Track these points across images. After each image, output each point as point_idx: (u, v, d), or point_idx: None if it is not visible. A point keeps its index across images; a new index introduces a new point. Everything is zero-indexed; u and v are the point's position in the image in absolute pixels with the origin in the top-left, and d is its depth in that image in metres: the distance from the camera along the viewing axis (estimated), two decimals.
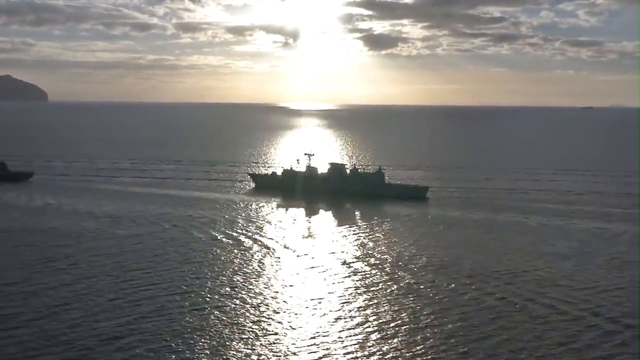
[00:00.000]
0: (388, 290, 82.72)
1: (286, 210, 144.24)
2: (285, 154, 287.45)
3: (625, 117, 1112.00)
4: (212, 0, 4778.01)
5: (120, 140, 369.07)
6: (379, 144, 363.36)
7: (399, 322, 71.31)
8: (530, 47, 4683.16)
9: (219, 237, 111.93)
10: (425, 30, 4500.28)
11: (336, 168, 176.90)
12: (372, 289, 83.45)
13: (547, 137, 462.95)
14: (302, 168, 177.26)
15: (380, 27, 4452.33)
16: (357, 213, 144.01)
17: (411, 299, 79.48)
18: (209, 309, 74.52)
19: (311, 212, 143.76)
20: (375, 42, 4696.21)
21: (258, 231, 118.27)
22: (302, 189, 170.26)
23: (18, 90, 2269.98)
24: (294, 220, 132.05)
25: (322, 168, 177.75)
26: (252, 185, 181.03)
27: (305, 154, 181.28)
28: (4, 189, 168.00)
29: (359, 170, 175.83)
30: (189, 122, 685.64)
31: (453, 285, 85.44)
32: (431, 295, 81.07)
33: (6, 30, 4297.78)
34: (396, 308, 75.84)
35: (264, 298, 78.74)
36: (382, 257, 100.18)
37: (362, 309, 75.41)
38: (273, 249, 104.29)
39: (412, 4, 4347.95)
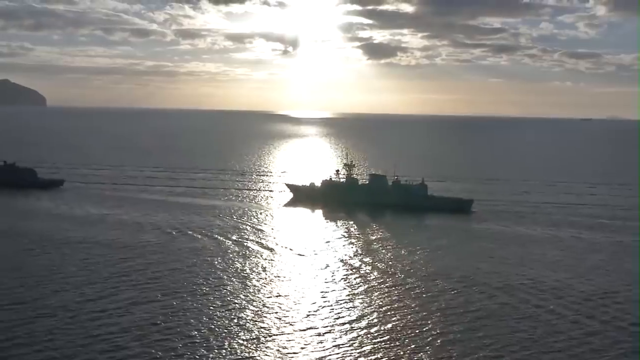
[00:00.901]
0: (477, 313, 79.33)
1: (336, 223, 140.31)
2: (313, 164, 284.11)
3: (627, 129, 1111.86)
4: (213, 8, 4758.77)
5: (135, 146, 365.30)
6: (394, 154, 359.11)
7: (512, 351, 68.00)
8: (529, 59, 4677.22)
9: (283, 252, 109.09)
10: (425, 40, 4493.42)
11: (377, 179, 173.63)
12: (448, 312, 79.90)
13: (563, 149, 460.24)
14: (339, 179, 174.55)
15: (380, 36, 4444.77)
16: (406, 226, 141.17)
17: (515, 319, 76.19)
18: (321, 333, 71.08)
19: (357, 224, 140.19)
20: (374, 51, 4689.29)
21: (324, 247, 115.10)
22: (343, 201, 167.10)
23: (16, 95, 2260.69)
24: (346, 234, 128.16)
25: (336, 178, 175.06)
26: (290, 196, 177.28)
27: (344, 165, 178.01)
28: (39, 197, 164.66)
29: (401, 182, 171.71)
30: (195, 129, 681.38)
31: (552, 306, 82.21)
32: (529, 316, 77.85)
33: (4, 35, 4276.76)
34: (505, 331, 72.47)
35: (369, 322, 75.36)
36: (461, 275, 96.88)
37: (448, 332, 72.07)
38: (348, 265, 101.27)
39: (413, 13, 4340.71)
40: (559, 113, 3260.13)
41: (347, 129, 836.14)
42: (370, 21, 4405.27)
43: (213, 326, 71.57)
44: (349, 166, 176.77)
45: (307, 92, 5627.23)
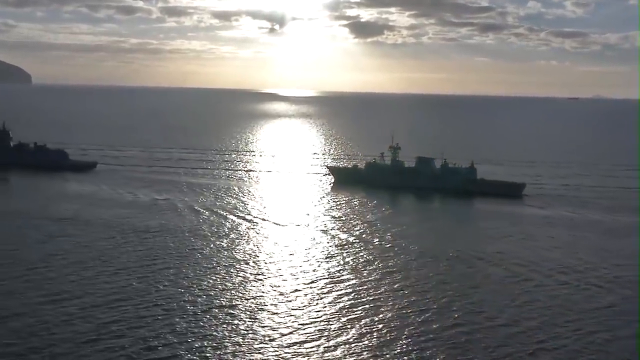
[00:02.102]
0: (607, 312, 75.63)
1: (384, 208, 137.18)
2: (335, 145, 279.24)
3: (619, 109, 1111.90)
4: None
5: (145, 126, 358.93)
6: (406, 133, 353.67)
7: None
8: (515, 37, 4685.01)
9: (349, 240, 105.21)
10: (412, 18, 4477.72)
11: (424, 162, 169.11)
12: (576, 309, 76.28)
13: (576, 129, 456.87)
14: (384, 161, 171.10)
15: (368, 14, 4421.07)
16: (460, 211, 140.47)
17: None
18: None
19: (404, 209, 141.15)
20: (361, 29, 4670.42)
21: (379, 233, 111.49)
22: (388, 184, 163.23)
23: (1, 72, 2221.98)
24: (391, 218, 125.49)
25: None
26: (332, 179, 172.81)
27: (390, 147, 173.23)
28: (80, 180, 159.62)
29: (450, 165, 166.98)
30: (192, 107, 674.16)
31: None
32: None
33: None
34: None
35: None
36: (561, 267, 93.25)
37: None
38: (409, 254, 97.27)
39: None
40: (545, 92, 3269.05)
41: (342, 107, 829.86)
42: None
43: (365, 330, 67.25)
44: (394, 148, 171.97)
45: (293, 70, 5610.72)
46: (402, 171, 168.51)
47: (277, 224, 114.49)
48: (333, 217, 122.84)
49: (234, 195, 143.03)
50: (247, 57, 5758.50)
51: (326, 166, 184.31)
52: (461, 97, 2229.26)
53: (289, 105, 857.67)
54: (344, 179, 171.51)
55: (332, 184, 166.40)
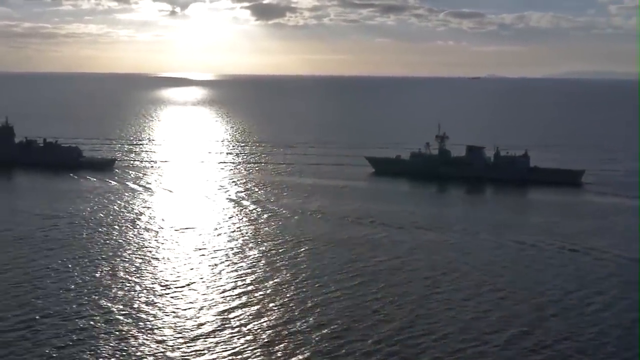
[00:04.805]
0: None
1: (434, 199, 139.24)
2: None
3: (523, 87, 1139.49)
4: None
5: (118, 116, 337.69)
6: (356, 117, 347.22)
7: None
8: (415, 18, 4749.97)
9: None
10: (314, 0, 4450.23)
11: (475, 151, 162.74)
12: None
13: (556, 110, 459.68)
14: (430, 151, 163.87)
15: None
16: (523, 202, 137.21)
17: None
18: None
19: (456, 200, 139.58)
20: (263, 11, 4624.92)
21: (432, 224, 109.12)
22: (435, 174, 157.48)
23: None
24: (442, 211, 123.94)
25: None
26: (371, 170, 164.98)
27: (436, 137, 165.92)
28: (122, 178, 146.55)
29: (502, 153, 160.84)
30: (123, 94, 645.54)
31: None
32: None
33: None
34: None
35: None
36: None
37: None
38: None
39: None
40: (444, 72, 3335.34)
41: (262, 91, 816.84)
42: None
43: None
44: (441, 137, 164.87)
45: (194, 54, 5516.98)
46: (452, 161, 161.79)
47: (325, 217, 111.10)
48: (380, 209, 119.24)
49: (281, 191, 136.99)
50: (146, 41, 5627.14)
51: (365, 156, 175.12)
52: (366, 78, 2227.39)
53: (210, 90, 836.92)
54: (385, 169, 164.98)
55: (371, 175, 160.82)
